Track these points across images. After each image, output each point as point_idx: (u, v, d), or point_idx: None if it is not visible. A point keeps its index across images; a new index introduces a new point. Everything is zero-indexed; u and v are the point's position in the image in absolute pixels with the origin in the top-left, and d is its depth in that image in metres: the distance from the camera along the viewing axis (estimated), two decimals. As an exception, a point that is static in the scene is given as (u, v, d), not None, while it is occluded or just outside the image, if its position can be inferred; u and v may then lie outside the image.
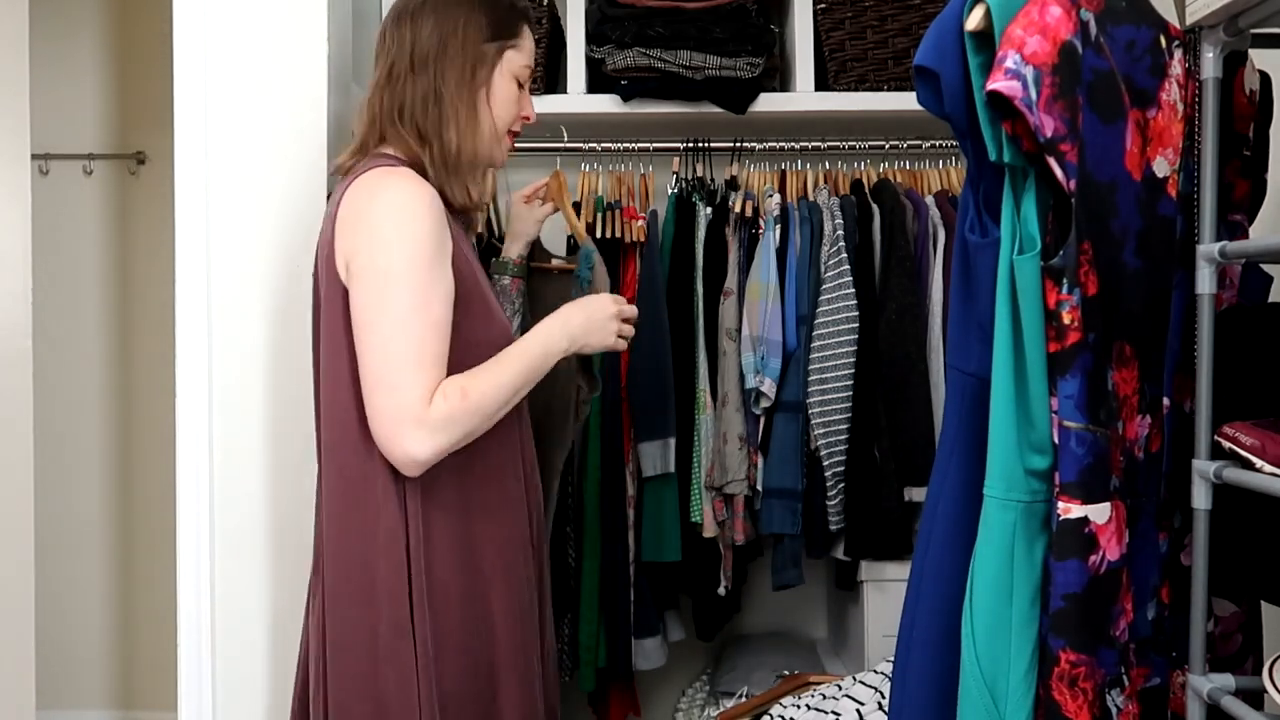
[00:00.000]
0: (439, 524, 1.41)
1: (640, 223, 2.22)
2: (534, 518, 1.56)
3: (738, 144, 2.27)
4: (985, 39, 1.09)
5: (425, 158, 1.45)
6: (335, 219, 1.41)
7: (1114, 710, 1.11)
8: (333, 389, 1.43)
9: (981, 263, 1.15)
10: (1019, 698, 1.08)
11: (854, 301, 2.06)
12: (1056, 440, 1.08)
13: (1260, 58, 1.29)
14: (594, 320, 1.53)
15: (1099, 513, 1.07)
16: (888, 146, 2.27)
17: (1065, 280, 1.06)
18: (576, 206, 2.18)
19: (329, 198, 1.56)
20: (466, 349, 1.41)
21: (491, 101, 1.51)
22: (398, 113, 1.46)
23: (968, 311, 1.18)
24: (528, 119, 1.58)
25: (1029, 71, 1.03)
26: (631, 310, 1.60)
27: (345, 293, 1.39)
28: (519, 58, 1.53)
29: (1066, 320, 1.06)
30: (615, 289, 2.14)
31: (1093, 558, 1.07)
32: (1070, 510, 1.06)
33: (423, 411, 1.32)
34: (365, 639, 1.39)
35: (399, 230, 1.36)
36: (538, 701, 1.50)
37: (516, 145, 1.66)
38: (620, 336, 1.58)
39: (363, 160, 1.46)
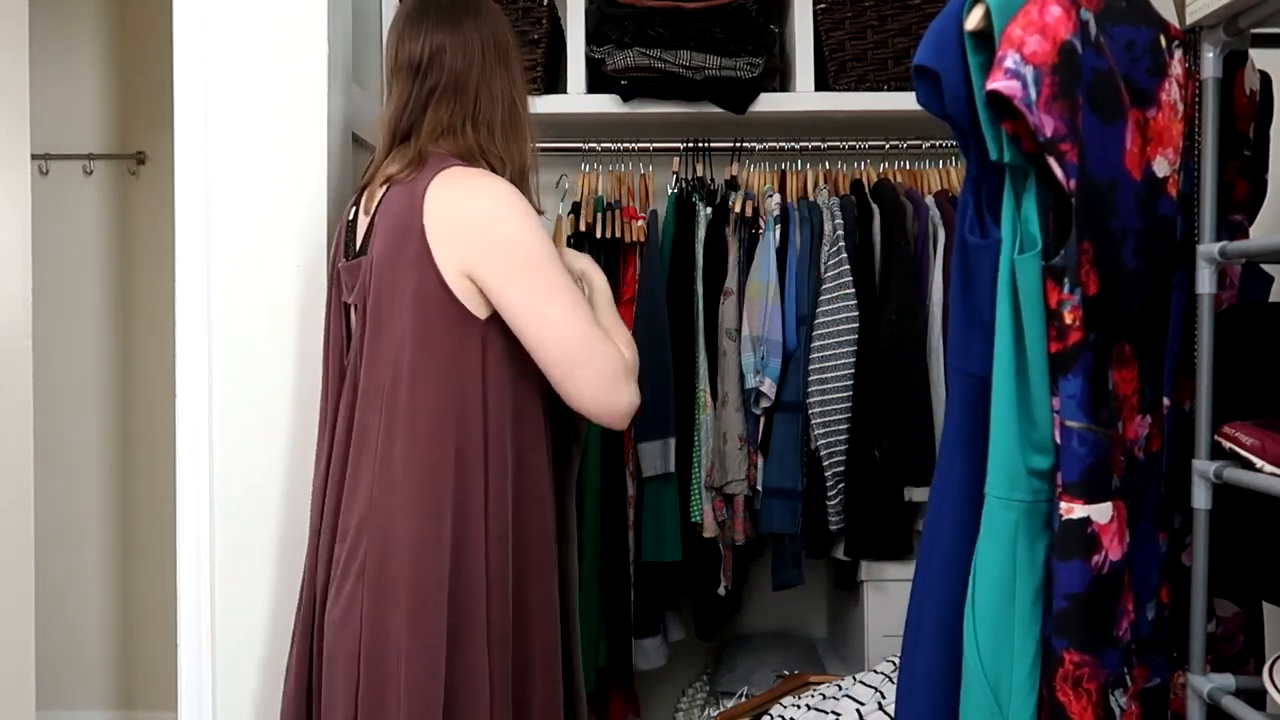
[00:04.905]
0: (496, 518, 1.45)
1: (640, 223, 2.22)
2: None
3: (738, 144, 2.27)
4: (985, 39, 1.09)
5: (505, 172, 1.49)
6: (422, 217, 1.40)
7: (1118, 711, 1.11)
8: (424, 385, 1.42)
9: (980, 263, 1.14)
10: (1023, 698, 1.08)
11: (854, 301, 2.06)
12: (1059, 440, 1.08)
13: (1260, 58, 1.29)
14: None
15: (1101, 513, 1.07)
16: (888, 146, 2.27)
17: (1066, 280, 1.06)
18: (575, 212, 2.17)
19: (357, 197, 1.56)
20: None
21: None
22: (472, 125, 1.49)
23: (968, 311, 1.18)
24: None
25: (1029, 71, 1.03)
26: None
27: (445, 291, 1.41)
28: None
29: (1068, 320, 1.06)
30: (615, 289, 2.14)
31: (1095, 557, 1.07)
32: (1073, 510, 1.06)
33: (624, 365, 1.45)
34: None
35: (525, 222, 1.44)
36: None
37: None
38: None
39: (420, 168, 1.45)
